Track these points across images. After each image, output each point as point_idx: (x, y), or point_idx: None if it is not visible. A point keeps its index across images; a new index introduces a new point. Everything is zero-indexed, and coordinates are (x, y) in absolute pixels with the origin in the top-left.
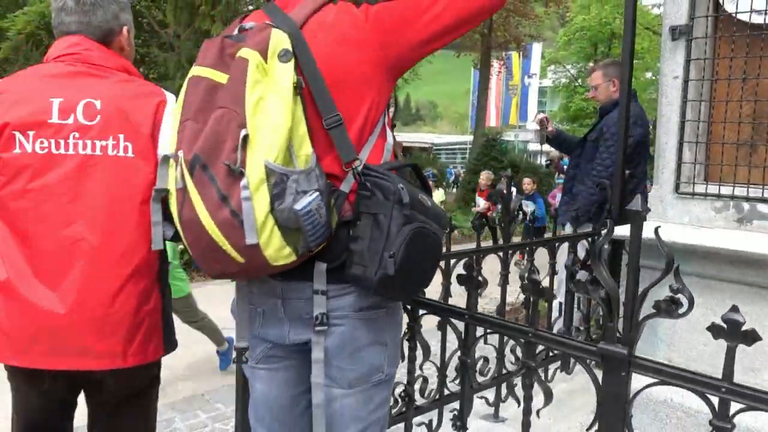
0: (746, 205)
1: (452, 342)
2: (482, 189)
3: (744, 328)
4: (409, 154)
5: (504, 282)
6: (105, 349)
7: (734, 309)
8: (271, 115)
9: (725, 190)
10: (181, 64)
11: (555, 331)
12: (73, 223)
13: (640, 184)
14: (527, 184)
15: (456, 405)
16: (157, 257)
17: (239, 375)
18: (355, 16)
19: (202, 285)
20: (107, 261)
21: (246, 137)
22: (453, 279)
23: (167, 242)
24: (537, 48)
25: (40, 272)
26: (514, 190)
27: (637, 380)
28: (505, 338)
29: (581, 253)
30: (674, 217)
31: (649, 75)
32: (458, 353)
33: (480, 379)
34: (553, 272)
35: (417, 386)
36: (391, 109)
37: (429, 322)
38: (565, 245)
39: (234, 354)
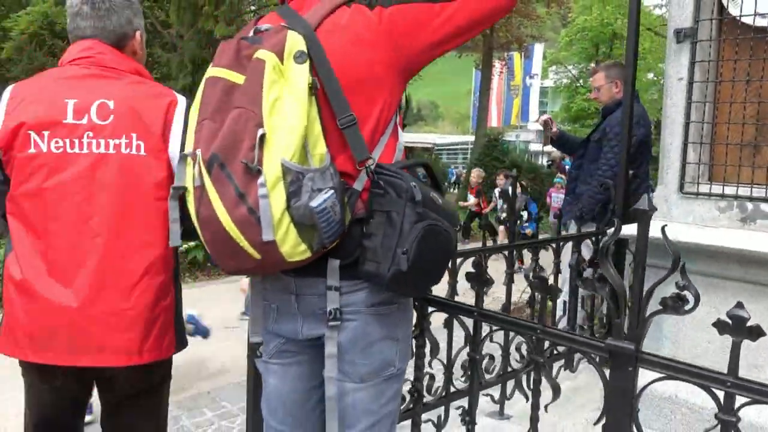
0: (750, 205)
1: (456, 341)
2: (472, 186)
3: (749, 324)
4: (411, 154)
5: (509, 281)
6: (121, 344)
7: (739, 305)
8: (288, 115)
9: (729, 190)
10: (184, 64)
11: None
12: (88, 220)
13: (642, 184)
14: (501, 181)
15: (461, 402)
16: (173, 254)
17: (251, 370)
18: (368, 18)
19: (205, 284)
20: (122, 257)
21: (263, 136)
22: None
23: None
24: (539, 48)
25: (55, 269)
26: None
27: (643, 376)
28: (510, 336)
29: (584, 253)
30: (678, 217)
31: (650, 76)
32: (465, 351)
33: (486, 376)
34: (557, 271)
35: (424, 383)
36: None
37: (435, 321)
38: (569, 245)
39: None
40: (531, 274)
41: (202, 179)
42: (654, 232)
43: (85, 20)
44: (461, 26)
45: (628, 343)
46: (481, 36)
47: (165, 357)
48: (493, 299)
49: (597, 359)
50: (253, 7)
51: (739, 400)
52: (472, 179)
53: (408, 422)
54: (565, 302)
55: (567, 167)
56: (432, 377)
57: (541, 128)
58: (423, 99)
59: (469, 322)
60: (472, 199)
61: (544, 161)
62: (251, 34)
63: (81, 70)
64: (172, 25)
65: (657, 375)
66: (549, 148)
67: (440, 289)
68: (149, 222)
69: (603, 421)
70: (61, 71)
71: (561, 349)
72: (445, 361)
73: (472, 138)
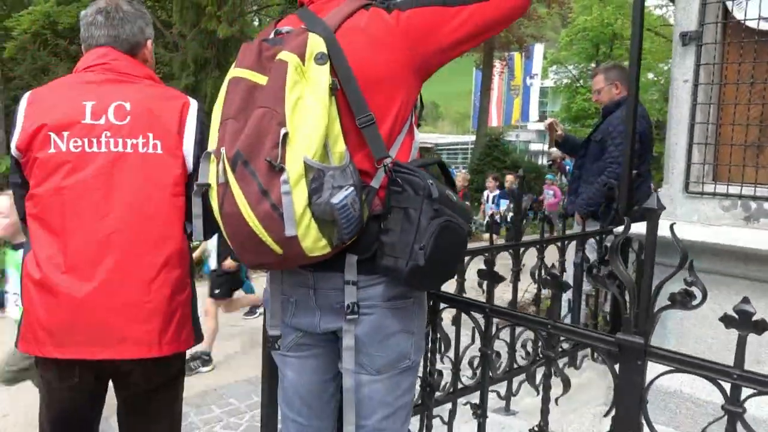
0: (753, 204)
1: (462, 339)
2: (458, 189)
3: (754, 318)
4: None
5: (515, 278)
6: (141, 336)
7: (745, 300)
8: (309, 115)
9: (733, 189)
10: (187, 64)
11: None
12: (106, 216)
13: (644, 183)
14: (510, 182)
15: (469, 398)
16: (188, 250)
17: (266, 362)
18: (386, 21)
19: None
20: (139, 251)
21: (286, 135)
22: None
23: None
24: (539, 48)
25: (74, 265)
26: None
27: (651, 371)
28: (516, 333)
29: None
30: (683, 216)
31: (650, 76)
32: (471, 348)
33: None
34: (562, 269)
35: (435, 377)
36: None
37: (443, 318)
38: (572, 243)
39: None
40: (537, 272)
41: (226, 176)
42: (659, 230)
43: (99, 29)
44: (479, 26)
45: (637, 338)
46: None
47: (183, 349)
48: (497, 298)
49: (605, 354)
50: (255, 7)
51: (745, 392)
52: (457, 182)
53: (417, 417)
54: (569, 300)
55: (567, 167)
56: (440, 373)
57: (541, 128)
58: (423, 99)
59: (480, 319)
60: None
61: (544, 161)
62: (272, 35)
63: (97, 76)
64: (174, 24)
65: (665, 368)
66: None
67: (446, 288)
68: (166, 217)
69: (612, 413)
70: (78, 77)
71: (565, 346)
72: (453, 358)
73: (472, 138)
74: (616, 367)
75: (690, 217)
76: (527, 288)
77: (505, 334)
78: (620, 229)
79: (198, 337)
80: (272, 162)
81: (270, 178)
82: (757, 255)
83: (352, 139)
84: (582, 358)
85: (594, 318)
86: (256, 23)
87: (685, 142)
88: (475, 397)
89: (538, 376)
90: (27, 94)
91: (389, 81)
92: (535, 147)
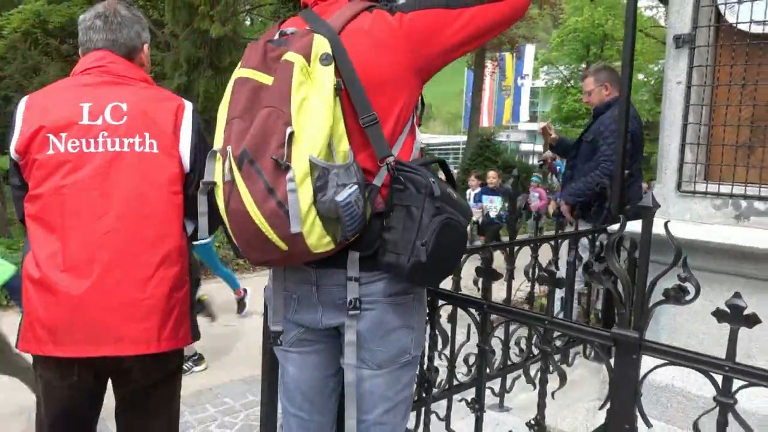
0: (744, 203)
1: (458, 337)
2: None
3: (745, 312)
4: None
5: (510, 277)
6: (139, 335)
7: (737, 296)
8: (314, 115)
9: (724, 188)
10: (179, 63)
11: None
12: (104, 215)
13: (635, 183)
14: (492, 177)
15: (464, 394)
16: (186, 248)
17: (266, 359)
18: (389, 23)
19: (204, 283)
20: (137, 249)
21: (292, 134)
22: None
23: None
24: (530, 49)
25: (73, 263)
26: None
27: (645, 365)
28: (510, 330)
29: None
30: (676, 214)
31: (641, 77)
32: (466, 346)
33: (487, 369)
34: (555, 268)
35: (433, 373)
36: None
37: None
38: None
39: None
40: (531, 271)
41: (233, 174)
42: (653, 228)
43: (97, 33)
44: (481, 28)
45: (632, 332)
46: None
47: (181, 346)
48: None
49: (599, 348)
50: (247, 7)
51: (736, 384)
52: None
53: (414, 413)
54: (562, 298)
55: (558, 167)
56: (436, 370)
57: (532, 128)
58: None
59: (477, 316)
60: None
61: (535, 161)
62: (276, 36)
63: (94, 78)
64: (166, 24)
65: (659, 362)
66: (540, 148)
67: (443, 286)
68: (163, 215)
69: (607, 407)
70: (75, 80)
71: (558, 343)
72: (448, 355)
73: (463, 138)
74: (612, 361)
75: (682, 215)
76: (519, 287)
77: (499, 331)
78: (615, 227)
79: (195, 335)
80: (278, 160)
81: (276, 177)
82: (747, 252)
83: (355, 139)
84: (574, 355)
85: (586, 316)
86: (248, 23)
87: (678, 142)
88: (469, 394)
89: (533, 372)
90: (24, 99)
91: (392, 82)
92: (525, 147)
